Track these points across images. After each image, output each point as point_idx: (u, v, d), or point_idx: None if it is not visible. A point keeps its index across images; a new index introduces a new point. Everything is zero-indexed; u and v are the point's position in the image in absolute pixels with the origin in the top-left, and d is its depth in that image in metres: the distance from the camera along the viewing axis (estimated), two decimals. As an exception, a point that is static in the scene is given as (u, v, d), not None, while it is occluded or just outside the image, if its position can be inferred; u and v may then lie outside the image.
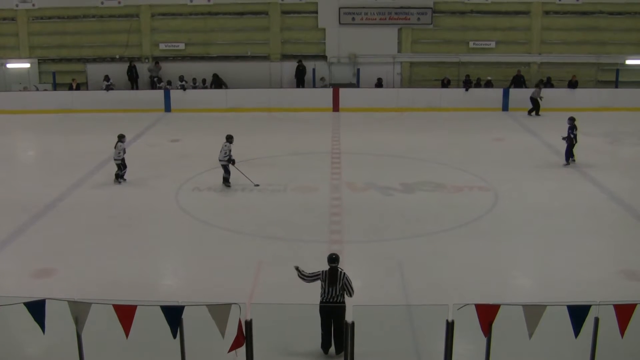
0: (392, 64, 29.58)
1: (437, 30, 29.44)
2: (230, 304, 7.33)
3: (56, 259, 12.21)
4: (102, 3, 29.30)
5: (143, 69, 29.44)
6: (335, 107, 27.71)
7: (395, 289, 11.03)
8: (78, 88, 28.37)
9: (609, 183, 16.91)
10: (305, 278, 8.98)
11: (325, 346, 8.87)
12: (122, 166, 17.11)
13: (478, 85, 28.32)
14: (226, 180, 16.63)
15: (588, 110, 25.94)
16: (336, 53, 29.56)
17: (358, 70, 29.20)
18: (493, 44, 29.40)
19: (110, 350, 8.65)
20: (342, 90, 28.02)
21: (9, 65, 29.74)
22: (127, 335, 7.42)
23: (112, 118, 26.10)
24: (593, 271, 11.65)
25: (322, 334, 8.84)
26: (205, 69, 29.10)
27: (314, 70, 28.99)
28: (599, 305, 7.38)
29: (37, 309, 7.48)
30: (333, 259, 8.89)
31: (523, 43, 29.49)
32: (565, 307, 7.45)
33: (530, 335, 7.41)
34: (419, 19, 29.16)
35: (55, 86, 29.15)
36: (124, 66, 29.03)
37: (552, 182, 17.25)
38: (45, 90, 29.02)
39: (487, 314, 7.42)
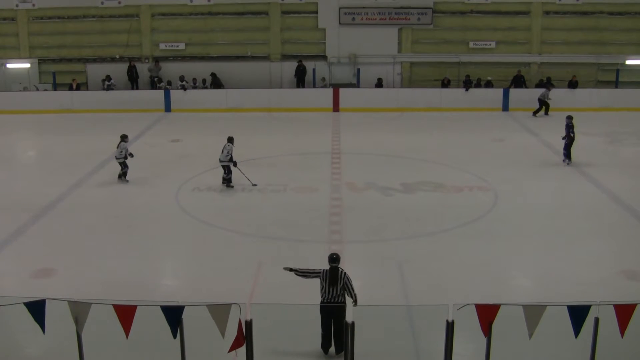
0: (392, 64, 29.57)
1: (437, 31, 29.44)
2: (230, 304, 7.32)
3: (56, 259, 12.21)
4: (102, 3, 29.30)
5: (143, 69, 29.44)
6: (336, 107, 27.71)
7: (395, 289, 11.03)
8: (78, 88, 28.37)
9: (609, 183, 16.91)
10: (302, 275, 8.98)
11: (325, 346, 8.87)
12: (123, 165, 17.14)
13: (478, 85, 28.31)
14: (228, 181, 16.62)
15: (588, 110, 25.98)
16: (336, 53, 29.55)
17: (358, 70, 29.20)
18: (493, 44, 29.39)
19: (110, 350, 8.65)
20: (342, 91, 28.03)
21: (9, 66, 29.74)
22: (127, 335, 7.42)
23: (112, 118, 26.10)
24: (593, 271, 11.65)
25: (322, 334, 8.83)
26: (205, 69, 29.10)
27: (314, 70, 28.98)
28: (599, 305, 7.38)
29: (37, 309, 7.47)
30: (334, 258, 8.88)
31: (523, 43, 29.48)
32: (565, 307, 7.45)
33: (530, 335, 7.41)
34: (419, 19, 29.15)
35: (55, 86, 29.15)
36: (124, 66, 29.03)
37: (552, 182, 17.26)
38: (45, 90, 29.02)
39: (487, 314, 7.41)
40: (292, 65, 29.12)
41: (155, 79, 28.99)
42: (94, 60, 29.84)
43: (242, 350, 7.59)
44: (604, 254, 12.60)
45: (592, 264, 11.99)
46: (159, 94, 27.98)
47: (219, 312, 7.33)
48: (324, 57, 29.63)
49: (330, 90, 28.10)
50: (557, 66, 29.16)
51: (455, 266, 11.91)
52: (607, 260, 12.21)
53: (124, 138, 17.24)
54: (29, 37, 29.68)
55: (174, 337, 7.43)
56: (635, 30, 29.06)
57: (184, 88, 28.16)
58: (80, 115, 27.00)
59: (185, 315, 7.41)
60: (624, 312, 7.43)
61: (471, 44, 29.45)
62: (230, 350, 7.57)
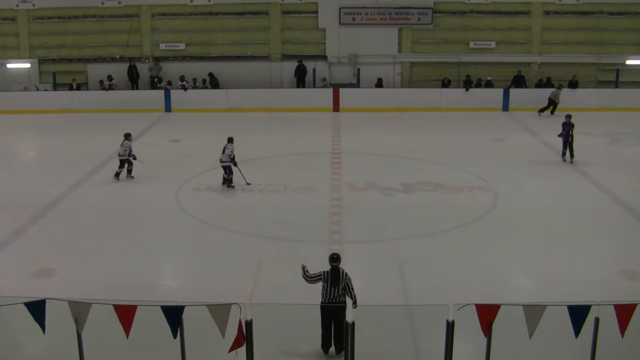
0: (393, 64, 29.57)
1: (437, 31, 29.43)
2: (230, 304, 7.32)
3: (56, 259, 12.20)
4: (102, 3, 29.29)
5: (143, 69, 29.43)
6: (336, 107, 27.71)
7: (395, 289, 11.03)
8: (78, 88, 28.37)
9: (609, 183, 16.91)
10: (308, 279, 8.95)
11: (325, 346, 8.87)
12: (123, 163, 17.16)
13: (478, 85, 28.31)
14: (229, 182, 16.61)
15: (588, 110, 26.01)
16: (336, 53, 29.54)
17: (358, 70, 29.21)
18: (493, 44, 29.39)
19: (110, 350, 8.65)
20: (342, 91, 28.03)
21: (9, 65, 29.74)
22: (127, 335, 7.42)
23: (112, 118, 26.11)
24: (593, 271, 11.65)
25: (322, 334, 8.83)
26: (205, 69, 29.10)
27: (314, 70, 28.99)
28: (599, 305, 7.37)
29: (37, 309, 7.47)
30: (335, 258, 8.88)
31: (523, 43, 29.48)
32: (566, 307, 7.44)
33: (531, 335, 7.41)
34: (419, 19, 29.15)
35: (56, 86, 29.15)
36: (124, 66, 29.02)
37: (552, 182, 17.25)
38: (46, 90, 29.01)
39: (487, 314, 7.41)
40: (292, 65, 29.12)
41: (156, 79, 28.99)
42: (94, 60, 29.84)
43: (242, 350, 7.59)
44: (604, 254, 12.60)
45: (592, 264, 11.99)
46: (159, 94, 27.98)
47: (219, 312, 7.33)
48: (324, 57, 29.62)
49: (330, 90, 28.11)
50: (557, 66, 29.15)
51: (455, 266, 11.90)
52: (607, 260, 12.21)
53: (127, 136, 17.30)
54: (29, 37, 29.68)
55: (174, 337, 7.43)
56: (635, 30, 29.07)
57: (184, 88, 28.16)
58: (80, 115, 27.00)
59: (185, 315, 7.41)
60: (624, 312, 7.43)
61: (471, 44, 29.45)
62: (230, 350, 7.56)
